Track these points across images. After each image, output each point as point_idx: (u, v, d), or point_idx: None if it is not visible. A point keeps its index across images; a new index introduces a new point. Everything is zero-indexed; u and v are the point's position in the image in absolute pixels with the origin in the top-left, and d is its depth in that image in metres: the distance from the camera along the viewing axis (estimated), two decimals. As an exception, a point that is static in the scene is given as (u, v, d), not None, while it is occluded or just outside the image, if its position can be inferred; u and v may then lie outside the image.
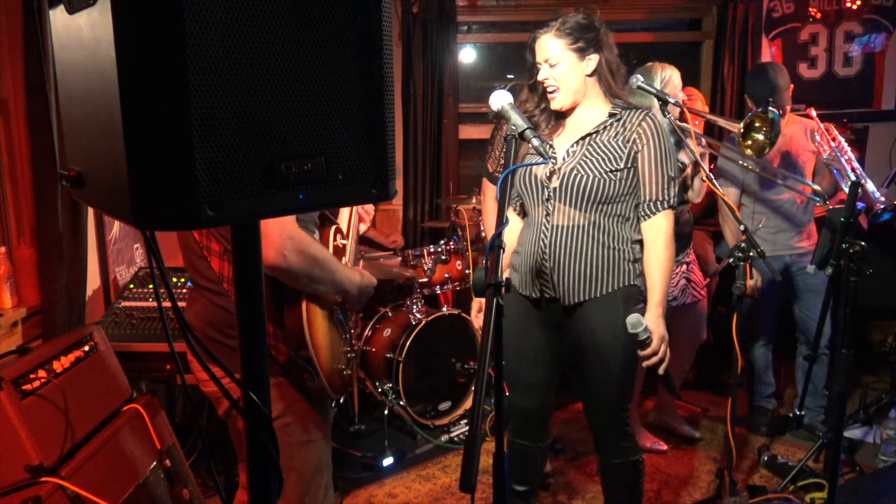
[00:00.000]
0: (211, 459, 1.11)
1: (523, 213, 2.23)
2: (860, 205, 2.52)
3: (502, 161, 2.86)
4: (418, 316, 3.42)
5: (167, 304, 1.76)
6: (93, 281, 2.85)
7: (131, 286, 2.87)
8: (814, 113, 3.05)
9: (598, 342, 2.02)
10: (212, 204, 0.73)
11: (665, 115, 2.43)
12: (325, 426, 1.73)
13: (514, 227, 2.21)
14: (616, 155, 1.97)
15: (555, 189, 2.03)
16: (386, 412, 3.33)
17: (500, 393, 1.43)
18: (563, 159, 2.03)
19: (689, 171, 2.78)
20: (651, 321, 1.94)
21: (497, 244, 1.40)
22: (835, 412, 2.11)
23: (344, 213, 1.82)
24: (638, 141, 1.97)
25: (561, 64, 1.97)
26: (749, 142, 2.63)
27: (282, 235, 1.42)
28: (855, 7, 4.19)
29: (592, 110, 2.04)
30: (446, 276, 3.59)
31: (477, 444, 1.17)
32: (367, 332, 3.51)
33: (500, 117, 2.84)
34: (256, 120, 0.76)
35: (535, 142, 1.53)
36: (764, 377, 3.40)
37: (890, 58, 4.33)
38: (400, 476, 3.06)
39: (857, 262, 2.06)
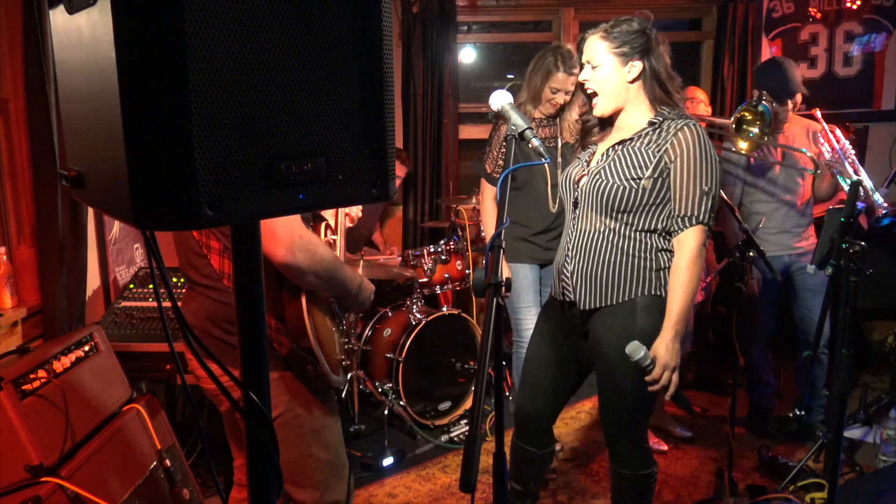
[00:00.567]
0: (211, 459, 1.11)
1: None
2: (860, 205, 2.52)
3: (500, 162, 2.87)
4: (418, 316, 3.42)
5: (167, 304, 1.76)
6: (93, 281, 2.85)
7: (131, 286, 2.87)
8: (819, 114, 3.05)
9: (611, 351, 1.95)
10: (212, 204, 0.73)
11: None
12: (333, 410, 1.77)
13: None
14: (643, 163, 1.89)
15: (581, 193, 2.01)
16: (386, 412, 3.33)
17: (500, 393, 1.43)
18: (597, 164, 2.01)
19: None
20: (660, 346, 1.85)
21: (497, 244, 1.39)
22: (835, 412, 2.11)
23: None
24: (671, 151, 1.88)
25: (602, 67, 1.94)
26: (743, 138, 2.63)
27: (291, 235, 1.45)
28: (855, 7, 4.19)
29: (635, 117, 1.98)
30: (446, 276, 3.59)
31: (477, 444, 1.17)
32: (367, 332, 3.51)
33: (499, 117, 2.84)
34: (256, 120, 0.76)
35: (535, 142, 1.53)
36: (764, 377, 3.40)
37: (890, 58, 4.33)
38: (400, 476, 3.06)
39: (857, 262, 2.06)
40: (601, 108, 1.99)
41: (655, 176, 1.89)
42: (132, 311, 2.69)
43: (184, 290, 1.81)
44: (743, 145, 2.73)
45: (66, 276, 2.48)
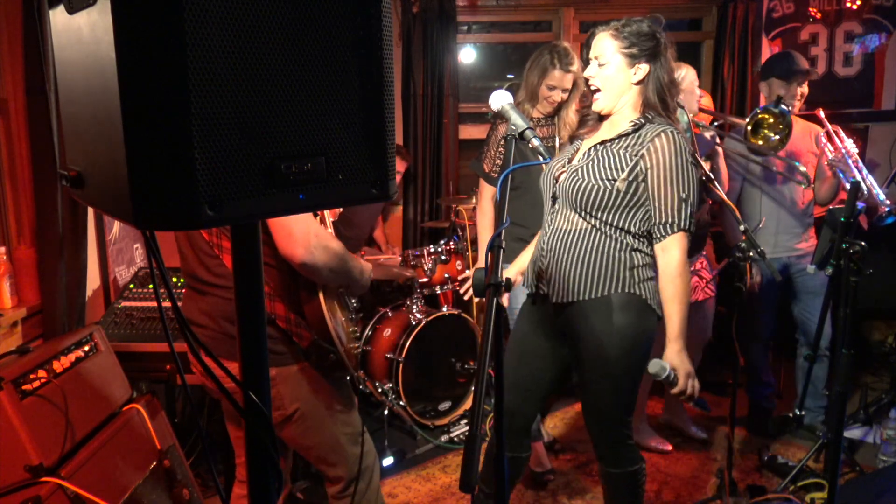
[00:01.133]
0: (211, 459, 1.11)
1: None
2: (860, 205, 2.52)
3: (498, 161, 2.87)
4: (418, 316, 3.42)
5: (167, 304, 1.76)
6: (93, 281, 2.85)
7: (131, 286, 2.87)
8: (822, 114, 3.05)
9: (589, 350, 1.96)
10: (212, 204, 0.73)
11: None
12: (352, 395, 1.87)
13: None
14: (619, 165, 1.91)
15: (559, 189, 2.03)
16: (386, 412, 3.33)
17: (500, 393, 1.43)
18: (577, 161, 2.02)
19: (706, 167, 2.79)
20: (673, 357, 1.88)
21: (497, 244, 1.39)
22: (835, 412, 2.11)
23: None
24: (647, 157, 1.89)
25: (609, 65, 1.95)
26: (760, 140, 2.63)
27: (307, 234, 1.50)
28: (855, 7, 4.19)
29: (624, 118, 2.00)
30: (446, 276, 3.59)
31: (477, 445, 1.17)
32: (367, 332, 3.51)
33: (498, 117, 2.84)
34: (256, 120, 0.76)
35: (535, 142, 1.53)
36: (764, 377, 3.40)
37: (890, 58, 4.33)
38: (400, 476, 3.06)
39: (857, 262, 2.06)
40: (601, 105, 2.00)
41: (630, 179, 1.91)
42: (132, 311, 2.69)
43: (184, 291, 1.82)
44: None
45: (65, 276, 2.48)
